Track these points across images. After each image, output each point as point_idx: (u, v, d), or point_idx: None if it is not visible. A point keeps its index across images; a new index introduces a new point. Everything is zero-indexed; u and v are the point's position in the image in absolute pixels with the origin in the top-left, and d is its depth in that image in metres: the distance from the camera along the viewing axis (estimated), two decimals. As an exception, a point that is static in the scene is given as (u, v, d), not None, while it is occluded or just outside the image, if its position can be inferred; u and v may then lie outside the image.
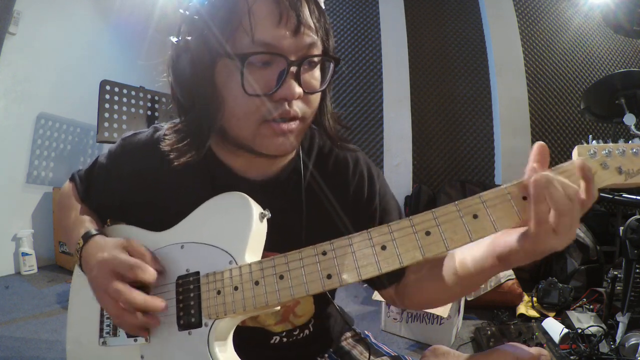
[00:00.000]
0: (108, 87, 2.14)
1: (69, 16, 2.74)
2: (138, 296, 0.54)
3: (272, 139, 0.56)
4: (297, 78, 0.53)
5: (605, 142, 0.50)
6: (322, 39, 0.57)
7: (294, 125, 0.56)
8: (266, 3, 0.51)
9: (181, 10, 0.58)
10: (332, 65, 0.59)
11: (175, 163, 0.58)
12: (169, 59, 0.59)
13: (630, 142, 0.49)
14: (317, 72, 0.58)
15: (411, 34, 3.30)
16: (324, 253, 0.51)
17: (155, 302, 0.55)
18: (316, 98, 0.60)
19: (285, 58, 0.52)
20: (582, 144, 0.50)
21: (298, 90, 0.53)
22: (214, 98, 0.56)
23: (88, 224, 0.67)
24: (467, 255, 0.56)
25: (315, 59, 0.56)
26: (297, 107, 0.56)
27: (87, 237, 0.63)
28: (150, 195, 0.67)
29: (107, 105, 2.13)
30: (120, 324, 0.58)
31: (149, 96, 2.34)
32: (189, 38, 0.55)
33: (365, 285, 0.74)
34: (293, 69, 0.53)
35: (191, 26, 0.55)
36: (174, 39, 0.58)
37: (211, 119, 0.57)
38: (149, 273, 0.55)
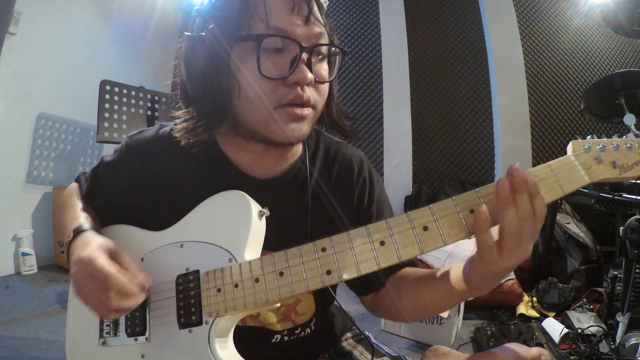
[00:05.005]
0: (108, 87, 2.14)
1: (69, 16, 2.74)
2: (114, 302, 0.51)
3: (286, 124, 0.57)
4: (309, 65, 0.56)
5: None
6: (328, 33, 0.60)
7: (307, 111, 0.58)
8: None
9: (195, 7, 0.60)
10: (338, 58, 0.62)
11: (184, 143, 0.60)
12: (181, 53, 0.60)
13: (624, 137, 0.50)
14: (325, 64, 0.61)
15: (411, 34, 3.30)
16: (324, 249, 0.51)
17: (133, 298, 0.53)
18: (325, 88, 0.62)
19: (298, 44, 0.55)
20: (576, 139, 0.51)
21: (310, 75, 0.55)
22: (229, 84, 0.57)
23: (82, 220, 0.66)
24: (451, 271, 0.58)
25: (324, 51, 0.60)
26: (309, 92, 0.58)
27: (77, 231, 0.61)
28: (154, 193, 0.67)
29: (107, 105, 2.13)
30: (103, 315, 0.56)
31: (149, 96, 2.34)
32: (204, 30, 0.57)
33: None
34: (305, 55, 0.55)
35: (206, 17, 0.58)
36: (188, 33, 0.59)
37: (226, 104, 0.59)
38: (122, 282, 0.52)
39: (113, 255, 0.55)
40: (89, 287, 0.52)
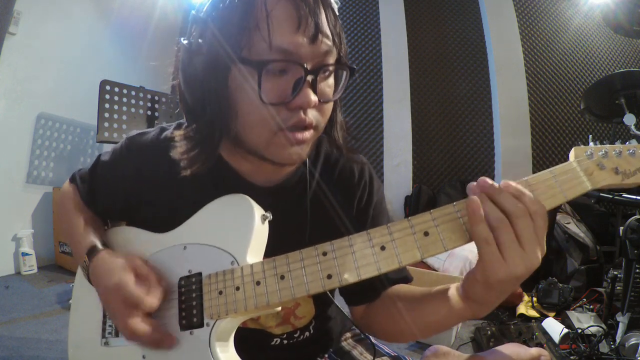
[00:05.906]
0: (108, 87, 2.14)
1: (69, 16, 2.74)
2: (146, 334, 0.55)
3: (286, 148, 0.55)
4: (313, 87, 0.52)
5: (604, 143, 0.51)
6: (337, 46, 0.55)
7: (308, 134, 0.55)
8: (285, 8, 0.50)
9: (193, 12, 0.56)
10: (345, 74, 0.58)
11: (183, 174, 0.58)
12: (179, 62, 0.57)
13: (627, 143, 0.50)
14: (331, 80, 0.57)
15: (411, 34, 3.30)
16: (325, 254, 0.51)
17: (160, 339, 0.56)
18: (329, 106, 0.59)
19: (302, 67, 0.51)
20: (581, 144, 0.51)
21: (314, 98, 0.52)
22: (227, 104, 0.54)
23: (93, 236, 0.67)
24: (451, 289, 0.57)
25: (331, 68, 0.55)
26: (312, 115, 0.54)
27: (93, 253, 0.63)
28: (154, 196, 0.67)
29: (107, 105, 2.13)
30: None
31: (149, 96, 2.33)
32: (201, 41, 0.53)
33: None
34: (309, 77, 0.51)
35: (204, 28, 0.53)
36: (184, 41, 0.56)
37: (224, 126, 0.56)
38: (153, 304, 0.56)
39: (134, 269, 0.58)
40: (120, 309, 0.56)
